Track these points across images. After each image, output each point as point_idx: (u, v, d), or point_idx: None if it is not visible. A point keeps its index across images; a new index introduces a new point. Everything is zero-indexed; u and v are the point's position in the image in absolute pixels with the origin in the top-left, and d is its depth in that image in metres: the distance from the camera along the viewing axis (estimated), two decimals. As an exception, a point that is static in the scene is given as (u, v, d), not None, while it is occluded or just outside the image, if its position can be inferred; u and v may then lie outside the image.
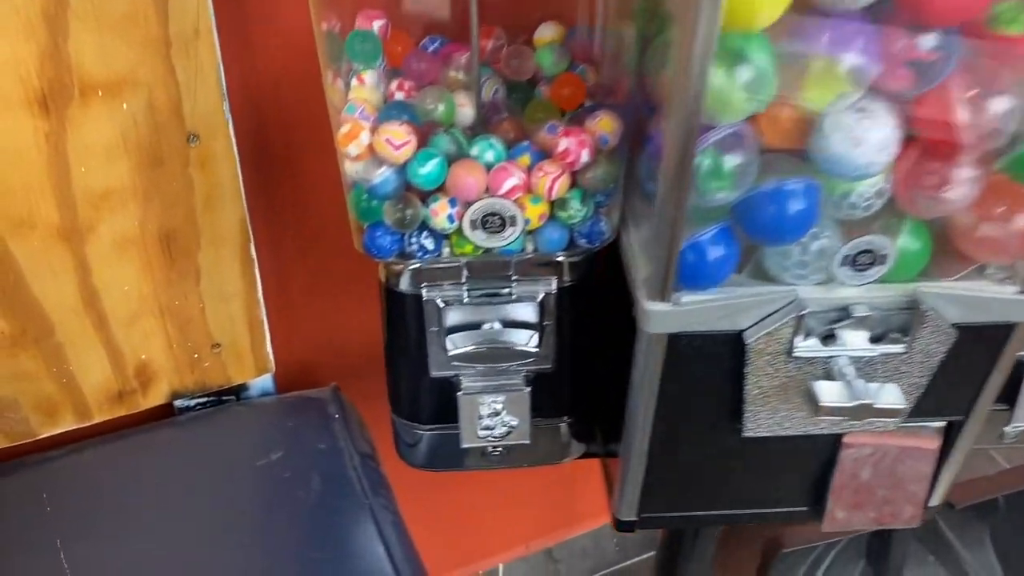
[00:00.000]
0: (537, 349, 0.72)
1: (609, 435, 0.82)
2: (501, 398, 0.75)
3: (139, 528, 0.77)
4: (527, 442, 0.78)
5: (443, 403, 0.78)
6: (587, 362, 0.77)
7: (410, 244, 0.66)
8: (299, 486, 0.81)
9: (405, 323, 0.72)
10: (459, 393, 0.75)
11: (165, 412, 0.91)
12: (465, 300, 0.70)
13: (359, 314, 0.98)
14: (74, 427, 0.84)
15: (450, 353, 0.71)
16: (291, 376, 0.97)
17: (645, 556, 1.50)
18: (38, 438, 0.83)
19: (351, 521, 0.80)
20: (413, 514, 0.85)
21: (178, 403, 0.90)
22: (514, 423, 0.77)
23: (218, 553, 0.76)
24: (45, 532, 0.76)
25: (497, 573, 1.43)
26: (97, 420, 0.85)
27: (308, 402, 0.91)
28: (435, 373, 0.75)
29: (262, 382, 0.93)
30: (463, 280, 0.70)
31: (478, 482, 1.27)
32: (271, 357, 0.91)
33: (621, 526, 0.79)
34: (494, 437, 0.78)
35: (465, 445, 0.78)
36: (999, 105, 0.55)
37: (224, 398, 0.92)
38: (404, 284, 0.70)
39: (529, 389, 0.75)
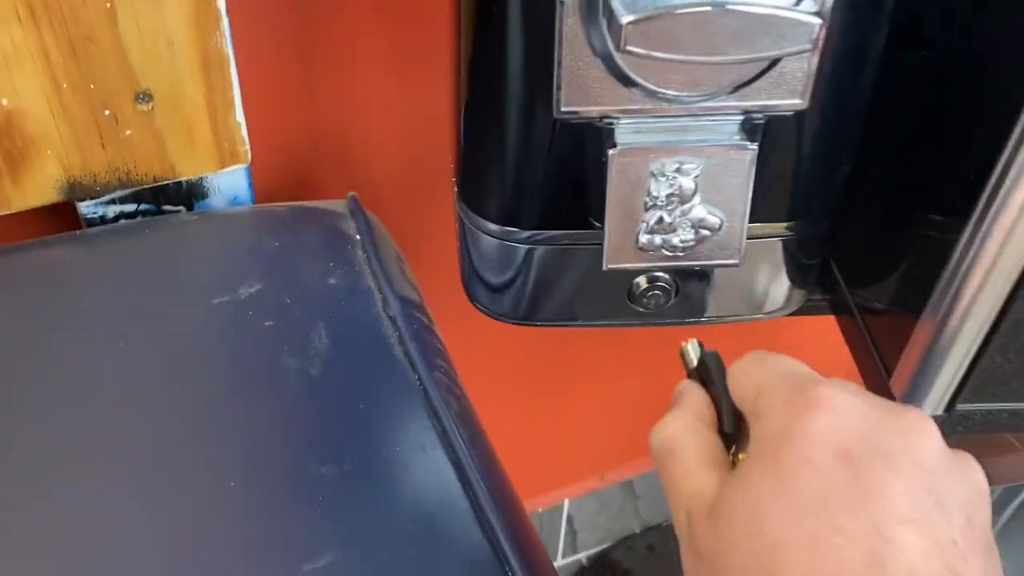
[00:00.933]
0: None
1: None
2: (696, 164, 0.37)
3: (20, 404, 0.40)
4: (736, 263, 0.40)
5: (572, 183, 0.40)
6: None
7: None
8: (291, 345, 0.44)
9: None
10: (612, 151, 0.37)
11: (70, 220, 0.54)
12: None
13: (389, 92, 0.59)
14: None
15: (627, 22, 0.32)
16: (277, 185, 0.59)
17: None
18: None
19: (387, 408, 0.43)
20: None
21: (85, 209, 0.52)
22: (715, 220, 0.39)
23: (144, 464, 0.39)
24: None
25: (560, 511, 1.07)
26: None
27: (310, 215, 0.53)
28: (568, 108, 0.37)
29: (230, 180, 0.55)
30: None
31: (547, 389, 0.90)
32: (244, 138, 0.53)
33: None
34: (671, 248, 0.40)
35: (610, 266, 0.40)
36: None
37: (166, 208, 0.54)
38: None
39: (756, 148, 0.37)
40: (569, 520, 1.09)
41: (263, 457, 0.39)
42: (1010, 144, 0.34)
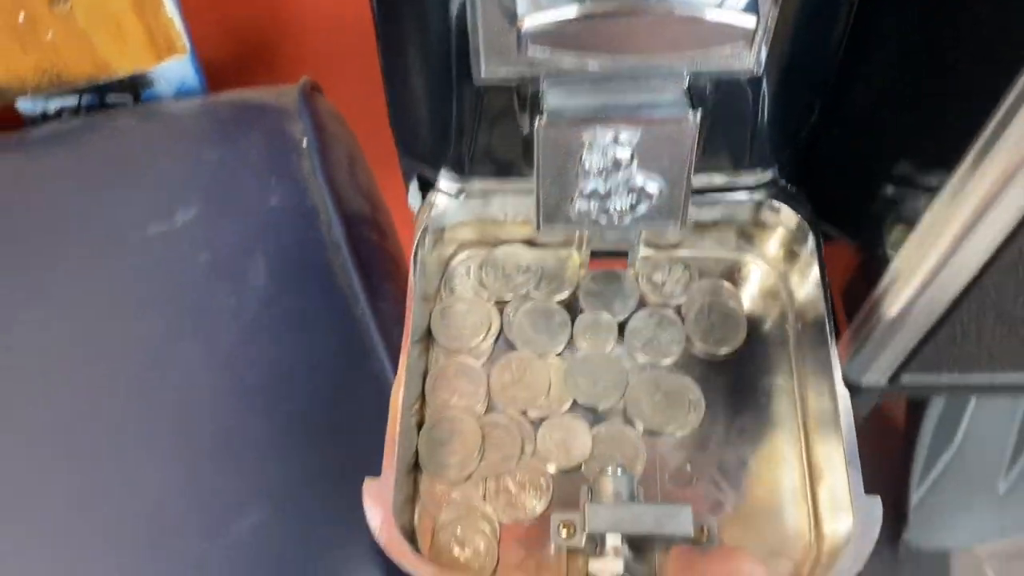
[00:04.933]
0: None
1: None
2: (633, 134, 0.34)
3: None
4: (676, 228, 0.37)
5: (501, 137, 0.37)
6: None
7: None
8: (227, 283, 0.43)
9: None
10: (540, 120, 0.33)
11: (10, 117, 0.51)
12: None
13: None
14: None
15: (526, 29, 0.28)
16: (229, 67, 0.55)
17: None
18: None
19: (327, 351, 0.43)
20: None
21: (23, 106, 0.50)
22: (654, 187, 0.36)
23: (69, 412, 0.40)
24: None
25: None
26: None
27: (256, 114, 0.50)
28: (489, 74, 0.33)
29: (176, 68, 0.51)
30: None
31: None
32: (180, 31, 0.48)
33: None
34: (606, 215, 0.37)
35: (544, 226, 0.38)
36: None
37: (109, 100, 0.52)
38: None
39: (699, 116, 0.33)
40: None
41: (195, 409, 0.40)
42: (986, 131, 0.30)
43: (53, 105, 0.50)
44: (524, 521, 0.37)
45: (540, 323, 0.41)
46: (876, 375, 0.39)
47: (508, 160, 0.40)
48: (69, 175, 0.47)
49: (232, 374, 0.41)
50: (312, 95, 0.51)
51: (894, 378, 0.39)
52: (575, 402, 0.40)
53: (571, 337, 0.41)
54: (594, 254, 0.43)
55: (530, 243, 0.44)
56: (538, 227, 0.37)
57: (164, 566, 0.36)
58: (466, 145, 0.39)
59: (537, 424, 0.39)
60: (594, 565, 0.32)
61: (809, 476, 0.38)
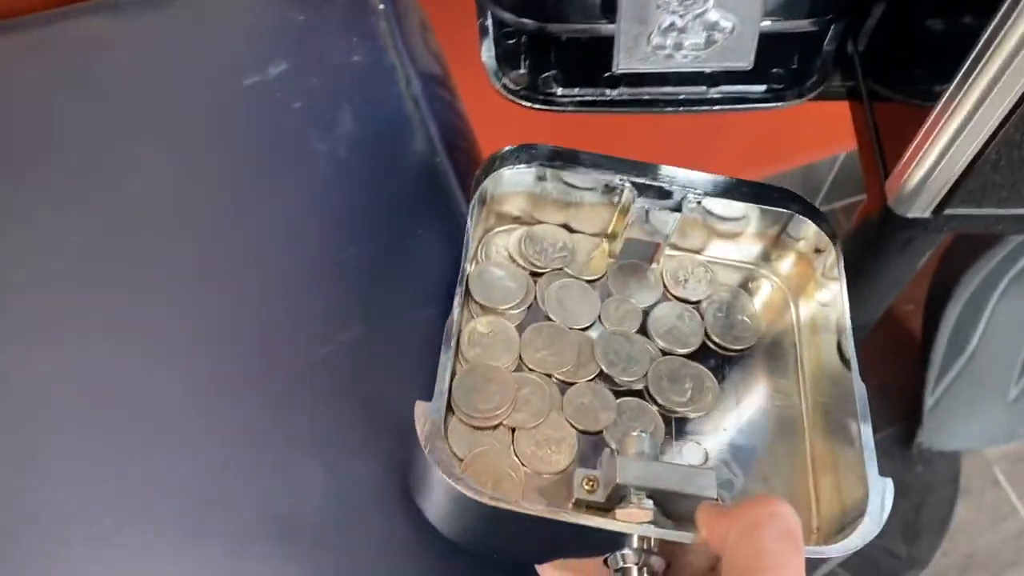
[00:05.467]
0: None
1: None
2: (706, 4, 0.37)
3: (53, 186, 0.44)
4: (746, 66, 0.41)
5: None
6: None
7: None
8: (318, 128, 0.46)
9: None
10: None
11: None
12: None
13: None
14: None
15: None
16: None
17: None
18: None
19: (409, 193, 0.46)
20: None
21: (113, -27, 0.53)
22: (728, 23, 0.39)
23: (179, 242, 0.43)
24: None
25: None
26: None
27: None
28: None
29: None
30: None
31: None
32: None
33: (894, 223, 0.44)
34: (681, 51, 0.40)
35: (622, 67, 0.41)
36: None
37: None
38: None
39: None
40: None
41: (294, 238, 0.43)
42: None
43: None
44: (546, 473, 0.38)
45: (574, 297, 0.43)
46: (921, 207, 0.42)
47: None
48: (165, 34, 0.50)
49: (329, 208, 0.44)
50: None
51: (938, 209, 0.42)
52: (601, 373, 0.41)
53: (599, 317, 0.43)
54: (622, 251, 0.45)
55: (567, 228, 0.45)
56: (617, 65, 0.40)
57: (276, 373, 0.40)
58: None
59: (564, 388, 0.41)
60: (621, 513, 0.33)
61: (813, 469, 0.40)
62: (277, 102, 0.47)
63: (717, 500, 0.33)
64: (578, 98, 0.47)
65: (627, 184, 0.42)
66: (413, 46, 0.51)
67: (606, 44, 0.42)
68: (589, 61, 0.46)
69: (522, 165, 0.42)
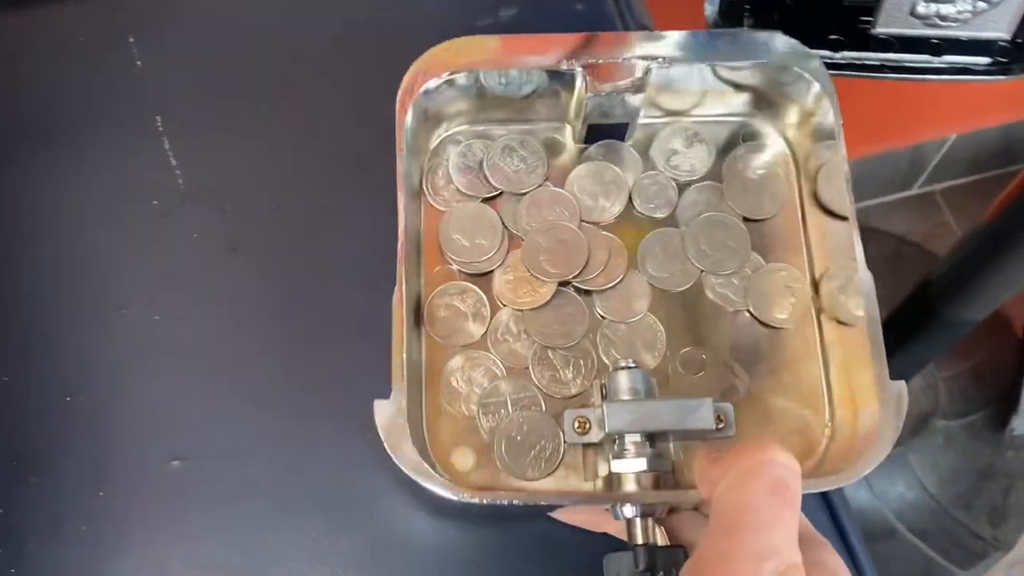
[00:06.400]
0: None
1: None
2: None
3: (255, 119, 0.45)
4: (1005, 37, 0.41)
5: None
6: None
7: None
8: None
9: None
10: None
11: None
12: None
13: None
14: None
15: None
16: None
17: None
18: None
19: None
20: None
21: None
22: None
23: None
24: (134, 100, 0.46)
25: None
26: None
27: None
28: None
29: None
30: None
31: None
32: None
33: None
34: (943, 18, 0.41)
35: (879, 29, 0.41)
36: None
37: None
38: None
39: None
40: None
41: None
42: None
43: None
44: (557, 396, 0.36)
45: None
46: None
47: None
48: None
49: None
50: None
51: None
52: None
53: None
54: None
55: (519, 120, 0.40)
56: (874, 27, 0.41)
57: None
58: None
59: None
60: (616, 466, 0.31)
61: (824, 362, 0.37)
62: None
63: (717, 429, 0.32)
64: (800, 60, 0.48)
65: (577, 69, 0.37)
66: (625, -2, 0.51)
67: (833, 5, 0.43)
68: (814, 22, 0.46)
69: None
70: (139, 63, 0.46)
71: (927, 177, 1.22)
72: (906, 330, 0.91)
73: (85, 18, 0.47)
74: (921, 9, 0.39)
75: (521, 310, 0.37)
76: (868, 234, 1.24)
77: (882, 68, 0.48)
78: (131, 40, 0.46)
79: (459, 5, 0.48)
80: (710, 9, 0.48)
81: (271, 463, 0.38)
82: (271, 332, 0.40)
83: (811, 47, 0.48)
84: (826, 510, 0.40)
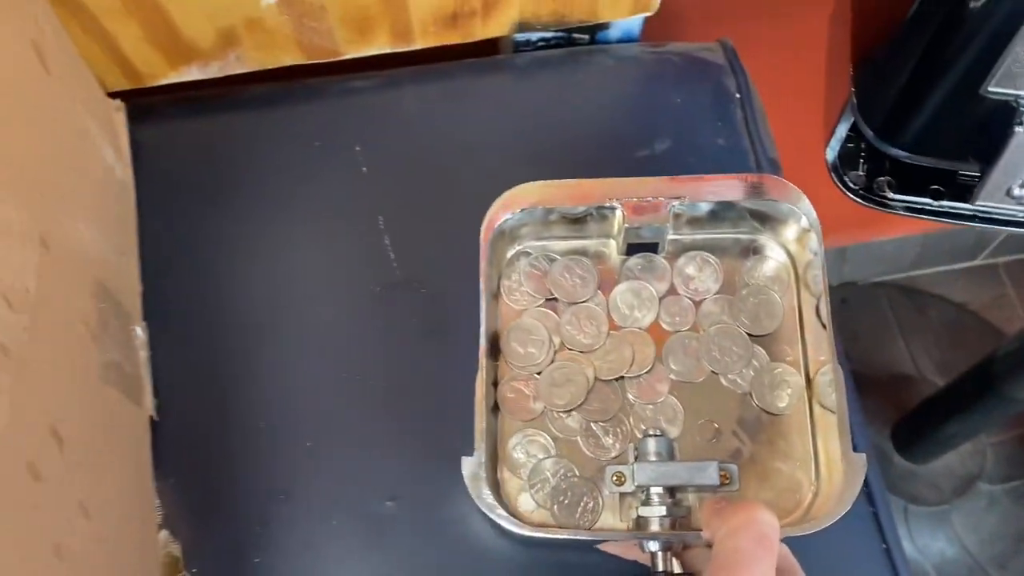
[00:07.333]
0: None
1: None
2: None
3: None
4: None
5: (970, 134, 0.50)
6: None
7: None
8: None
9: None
10: (1020, 128, 0.46)
11: (493, 49, 0.66)
12: None
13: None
14: (387, 50, 0.60)
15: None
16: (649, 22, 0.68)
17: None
18: (339, 59, 0.60)
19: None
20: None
21: (519, 37, 0.64)
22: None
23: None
24: (359, 199, 0.57)
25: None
26: (418, 46, 0.60)
27: (696, 67, 0.63)
28: (994, 89, 0.46)
29: (626, 24, 0.65)
30: None
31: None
32: (653, -9, 0.61)
33: None
34: (1032, 202, 0.50)
35: (978, 203, 0.51)
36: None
37: (575, 36, 0.65)
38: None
39: None
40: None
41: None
42: None
43: (539, 35, 0.64)
44: (601, 459, 0.46)
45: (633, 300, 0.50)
46: None
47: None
48: (558, 98, 0.61)
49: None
50: (736, 56, 0.64)
51: None
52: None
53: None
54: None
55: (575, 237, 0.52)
56: (974, 201, 0.50)
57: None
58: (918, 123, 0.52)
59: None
60: (643, 511, 0.41)
61: (812, 435, 0.46)
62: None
63: (720, 484, 0.41)
64: (907, 204, 0.57)
65: (616, 205, 0.48)
66: (761, 132, 0.61)
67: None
68: (921, 173, 0.56)
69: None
70: (364, 169, 0.57)
71: (992, 250, 1.30)
72: (965, 401, 0.98)
73: (317, 119, 0.58)
74: (1017, 192, 0.49)
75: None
76: (930, 300, 1.32)
77: (975, 218, 0.57)
78: (357, 149, 0.57)
79: (624, 137, 0.58)
80: (831, 155, 0.58)
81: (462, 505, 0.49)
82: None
83: (916, 194, 0.58)
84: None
